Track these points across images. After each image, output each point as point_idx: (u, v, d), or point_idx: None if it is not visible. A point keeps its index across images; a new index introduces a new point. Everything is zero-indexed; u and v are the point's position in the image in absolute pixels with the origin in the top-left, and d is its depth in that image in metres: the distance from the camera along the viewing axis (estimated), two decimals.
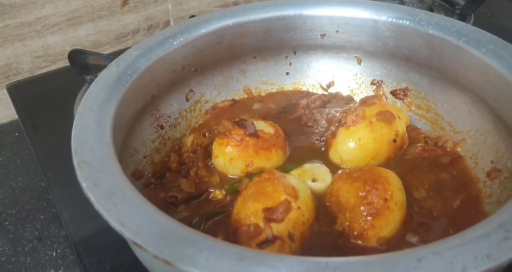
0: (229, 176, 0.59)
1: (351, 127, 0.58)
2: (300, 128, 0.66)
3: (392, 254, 0.34)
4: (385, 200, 0.49)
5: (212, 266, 0.33)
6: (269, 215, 0.47)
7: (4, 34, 0.89)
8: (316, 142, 0.64)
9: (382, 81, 0.71)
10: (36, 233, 0.72)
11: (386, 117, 0.58)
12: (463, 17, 0.91)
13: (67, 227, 0.60)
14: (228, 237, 0.49)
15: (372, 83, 0.72)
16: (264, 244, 0.46)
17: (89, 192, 0.39)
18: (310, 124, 0.67)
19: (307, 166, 0.58)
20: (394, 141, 0.59)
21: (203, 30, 0.63)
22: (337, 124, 0.61)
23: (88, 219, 0.55)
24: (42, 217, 0.74)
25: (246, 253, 0.34)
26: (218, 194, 0.57)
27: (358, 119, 0.58)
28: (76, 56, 0.76)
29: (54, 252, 0.68)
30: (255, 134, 0.58)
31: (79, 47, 0.84)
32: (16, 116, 0.84)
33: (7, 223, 0.73)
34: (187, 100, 0.68)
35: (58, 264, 0.67)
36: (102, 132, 0.46)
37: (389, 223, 0.49)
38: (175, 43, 0.61)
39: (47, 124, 0.79)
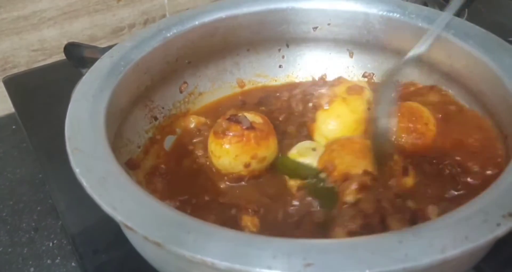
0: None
1: (327, 108, 0.60)
2: (281, 119, 0.66)
3: (374, 236, 0.36)
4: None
5: (199, 247, 0.34)
6: None
7: (1, 28, 0.90)
8: (299, 131, 0.64)
9: (373, 73, 0.72)
10: (33, 224, 0.72)
11: (356, 90, 0.60)
12: (457, 13, 0.92)
13: (63, 217, 0.61)
14: None
15: (364, 76, 0.73)
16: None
17: (82, 178, 0.40)
18: (290, 114, 0.66)
19: (300, 144, 0.60)
20: (369, 109, 0.60)
21: (196, 23, 0.64)
22: (313, 111, 0.62)
23: (85, 210, 0.55)
24: (39, 208, 0.75)
25: (233, 235, 0.35)
26: None
27: (332, 99, 0.60)
28: (72, 49, 0.77)
29: (51, 243, 0.69)
30: (251, 127, 0.58)
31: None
32: (12, 110, 0.84)
33: (4, 214, 0.74)
34: (181, 92, 0.69)
35: (54, 254, 0.67)
36: (96, 121, 0.47)
37: None
38: (168, 35, 0.61)
39: (44, 117, 0.79)
